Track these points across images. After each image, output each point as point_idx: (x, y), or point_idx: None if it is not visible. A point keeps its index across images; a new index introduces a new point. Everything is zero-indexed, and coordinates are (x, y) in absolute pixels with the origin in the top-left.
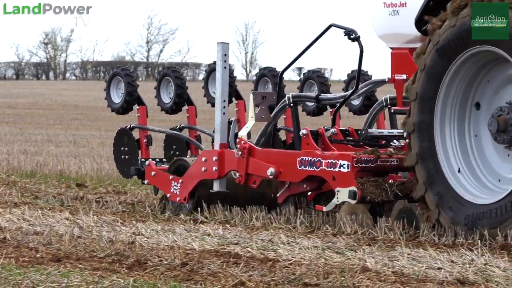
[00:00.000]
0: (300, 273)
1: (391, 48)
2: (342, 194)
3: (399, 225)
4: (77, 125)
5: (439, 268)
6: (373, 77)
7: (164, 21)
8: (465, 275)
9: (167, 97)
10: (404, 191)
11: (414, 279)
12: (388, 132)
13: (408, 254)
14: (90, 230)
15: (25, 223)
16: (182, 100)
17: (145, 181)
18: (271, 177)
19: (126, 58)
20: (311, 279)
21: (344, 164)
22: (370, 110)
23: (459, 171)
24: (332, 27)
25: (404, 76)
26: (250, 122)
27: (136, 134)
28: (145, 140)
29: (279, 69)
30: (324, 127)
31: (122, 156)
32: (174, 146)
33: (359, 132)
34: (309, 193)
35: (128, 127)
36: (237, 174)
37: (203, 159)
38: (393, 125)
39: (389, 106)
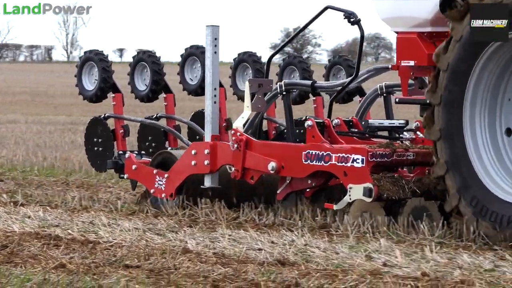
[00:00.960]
0: (121, 255)
1: (396, 32)
2: (356, 191)
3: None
4: None
5: (260, 249)
6: None
7: None
8: (286, 255)
9: (142, 84)
10: (422, 188)
11: (235, 260)
12: (389, 123)
13: (229, 235)
14: None
15: None
16: (159, 87)
17: (125, 176)
18: (272, 172)
19: None
20: (132, 260)
21: (358, 159)
22: (363, 99)
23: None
24: (329, 10)
25: (411, 63)
26: (246, 112)
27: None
28: (121, 131)
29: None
30: (306, 117)
31: (95, 148)
32: (149, 137)
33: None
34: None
35: (102, 116)
36: (233, 169)
37: (193, 152)
38: (389, 115)
39: (384, 94)
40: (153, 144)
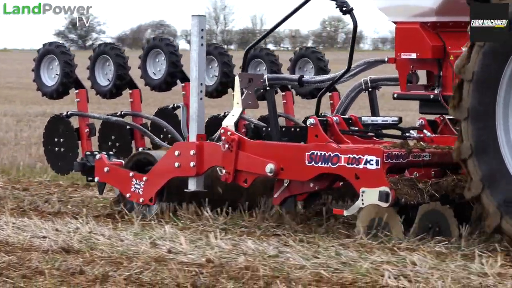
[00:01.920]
0: None
1: (394, 22)
2: (370, 196)
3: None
4: None
5: (44, 237)
6: None
7: None
8: (70, 243)
9: (104, 79)
10: (440, 192)
11: (19, 248)
12: (382, 121)
13: (13, 223)
14: None
15: None
16: (124, 82)
17: (95, 179)
18: (270, 174)
19: None
20: None
21: (372, 160)
22: (346, 94)
23: None
24: None
25: (413, 55)
26: (237, 109)
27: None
28: (86, 130)
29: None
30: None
31: (56, 149)
32: (112, 137)
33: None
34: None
35: (64, 114)
36: (223, 171)
37: (176, 152)
38: (375, 112)
39: (369, 89)
40: (117, 144)
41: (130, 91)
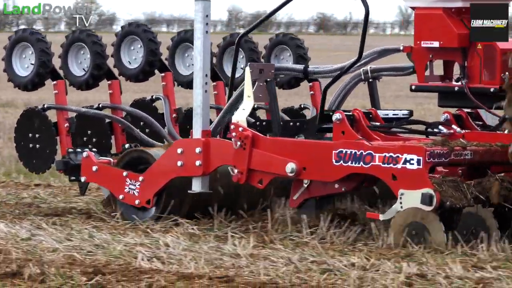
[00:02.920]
0: None
1: (412, 8)
2: (410, 198)
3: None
4: None
5: None
6: None
7: None
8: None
9: (79, 69)
10: (483, 194)
11: None
12: (393, 114)
13: None
14: None
15: None
16: (102, 72)
17: (82, 178)
18: (291, 175)
19: None
20: None
21: (413, 159)
22: (342, 84)
23: None
24: None
25: (435, 44)
26: (248, 103)
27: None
28: (66, 125)
29: None
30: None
31: (31, 145)
32: (89, 131)
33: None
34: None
35: (40, 107)
36: (235, 171)
37: (179, 150)
38: (376, 104)
39: (370, 80)
40: (94, 140)
41: (109, 82)
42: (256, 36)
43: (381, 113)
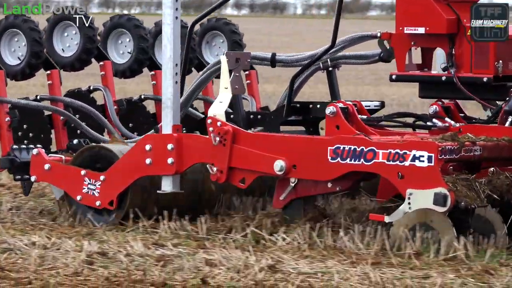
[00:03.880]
0: None
1: None
2: (421, 199)
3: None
4: None
5: None
6: None
7: None
8: None
9: (13, 57)
10: (495, 192)
11: None
12: (365, 106)
13: None
14: None
15: None
16: (39, 61)
17: (32, 178)
18: (280, 173)
19: None
20: None
21: (423, 156)
22: (294, 75)
23: None
24: None
25: (420, 30)
26: (225, 95)
27: None
28: (7, 119)
29: None
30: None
31: None
32: (24, 125)
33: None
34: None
35: None
36: (214, 169)
37: (148, 147)
38: (335, 94)
39: (330, 68)
40: (31, 134)
41: (48, 72)
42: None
43: None
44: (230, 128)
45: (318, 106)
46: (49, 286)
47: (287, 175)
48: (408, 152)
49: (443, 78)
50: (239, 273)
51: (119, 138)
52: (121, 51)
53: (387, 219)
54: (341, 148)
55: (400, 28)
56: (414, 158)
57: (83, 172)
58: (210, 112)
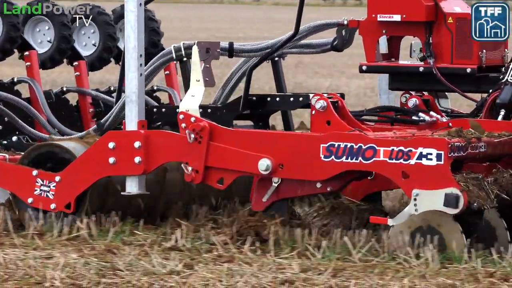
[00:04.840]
0: None
1: None
2: (429, 200)
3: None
4: None
5: None
6: None
7: None
8: None
9: None
10: (501, 191)
11: None
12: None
13: None
14: None
15: None
16: None
17: None
18: (265, 173)
19: None
20: None
21: (431, 154)
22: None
23: None
24: None
25: (396, 17)
26: (197, 88)
27: None
28: None
29: None
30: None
31: None
32: None
33: None
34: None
35: None
36: (189, 169)
37: (111, 145)
38: (281, 86)
39: (276, 58)
40: None
41: None
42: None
43: None
44: (207, 124)
45: (277, 99)
46: None
47: (273, 175)
48: (413, 150)
49: (421, 69)
50: None
51: (55, 135)
52: (39, 40)
53: (390, 222)
54: (336, 145)
55: (373, 15)
56: (421, 156)
57: (34, 172)
58: (182, 107)
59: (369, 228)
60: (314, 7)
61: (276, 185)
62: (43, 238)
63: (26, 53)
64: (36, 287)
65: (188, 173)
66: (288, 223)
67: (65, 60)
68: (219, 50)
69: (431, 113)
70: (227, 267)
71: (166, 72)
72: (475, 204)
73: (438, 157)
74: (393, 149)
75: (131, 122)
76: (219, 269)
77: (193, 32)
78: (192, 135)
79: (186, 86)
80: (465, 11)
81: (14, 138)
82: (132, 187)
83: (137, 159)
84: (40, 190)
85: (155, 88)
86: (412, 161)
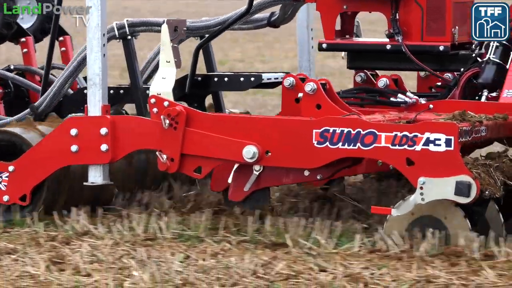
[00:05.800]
0: None
1: None
2: (437, 188)
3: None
4: None
5: None
6: None
7: None
8: None
9: None
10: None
11: None
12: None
13: None
14: None
15: None
16: None
17: None
18: (250, 161)
19: None
20: None
21: (439, 139)
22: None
23: None
24: None
25: None
26: (168, 69)
27: None
28: None
29: None
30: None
31: None
32: None
33: None
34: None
35: None
36: (164, 157)
37: (73, 132)
38: (212, 66)
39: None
40: None
41: None
42: None
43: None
44: (183, 109)
45: (226, 79)
46: None
47: (259, 163)
48: (419, 135)
49: (388, 46)
50: None
51: None
52: None
53: (394, 212)
54: (331, 131)
55: None
56: (428, 141)
57: None
58: (153, 90)
59: None
60: None
61: (257, 173)
62: None
63: None
64: None
65: (163, 162)
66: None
67: None
68: (185, 29)
69: (408, 94)
70: None
71: (62, 49)
72: (486, 192)
73: (448, 142)
74: (396, 135)
75: (95, 106)
76: None
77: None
78: (167, 121)
79: (130, 66)
80: None
81: None
82: (96, 177)
83: (103, 147)
84: None
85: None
86: (418, 147)
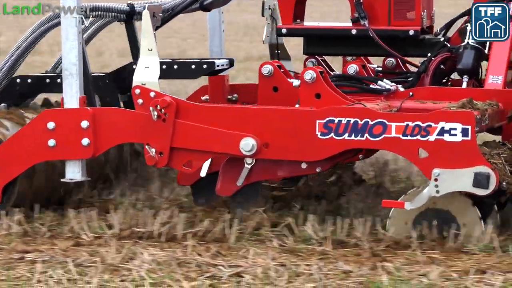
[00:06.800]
0: None
1: None
2: (453, 180)
3: None
4: None
5: None
6: None
7: None
8: None
9: None
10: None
11: None
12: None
13: None
14: None
15: None
16: None
17: None
18: (248, 154)
19: None
20: None
21: (455, 129)
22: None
23: None
24: None
25: None
26: (151, 58)
27: None
28: None
29: None
30: None
31: None
32: None
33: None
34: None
35: None
36: (153, 151)
37: (50, 125)
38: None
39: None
40: None
41: None
42: None
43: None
44: (172, 100)
45: (176, 66)
46: None
47: (257, 156)
48: (433, 125)
49: (353, 31)
50: None
51: None
52: None
53: (408, 205)
54: (336, 121)
55: None
56: (443, 131)
57: None
58: (137, 80)
59: None
60: None
61: (249, 166)
62: None
63: None
64: None
65: (152, 156)
66: None
67: None
68: (161, 14)
69: (385, 81)
70: None
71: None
72: (504, 183)
73: (464, 132)
74: (407, 124)
75: (72, 98)
76: None
77: None
78: (155, 113)
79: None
80: None
81: None
82: (74, 173)
83: (85, 141)
84: None
85: None
86: (432, 137)
